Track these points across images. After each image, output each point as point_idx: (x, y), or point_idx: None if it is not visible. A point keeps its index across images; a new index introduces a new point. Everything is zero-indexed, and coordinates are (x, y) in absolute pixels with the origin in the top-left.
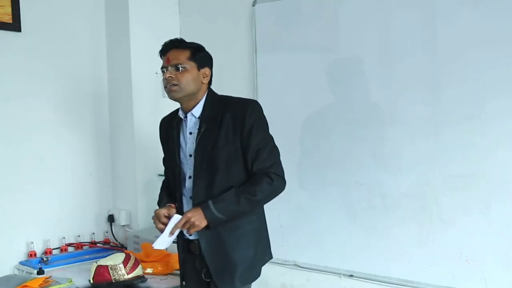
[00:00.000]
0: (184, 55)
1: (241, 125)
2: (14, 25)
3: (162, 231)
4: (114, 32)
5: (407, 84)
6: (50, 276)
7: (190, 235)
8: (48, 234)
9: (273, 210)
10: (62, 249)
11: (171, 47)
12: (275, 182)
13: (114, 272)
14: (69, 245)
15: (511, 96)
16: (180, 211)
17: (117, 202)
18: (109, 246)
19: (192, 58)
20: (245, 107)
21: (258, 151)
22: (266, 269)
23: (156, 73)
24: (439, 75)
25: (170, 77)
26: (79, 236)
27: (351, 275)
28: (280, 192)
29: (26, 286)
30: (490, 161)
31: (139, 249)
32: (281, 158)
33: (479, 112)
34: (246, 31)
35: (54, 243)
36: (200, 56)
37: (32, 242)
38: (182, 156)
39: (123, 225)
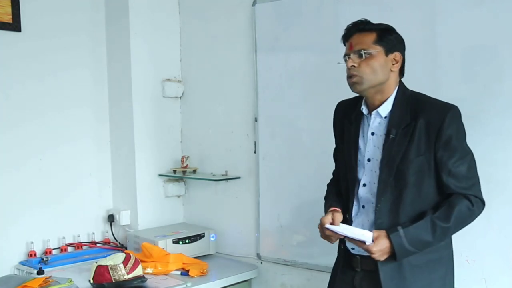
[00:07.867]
0: (370, 38)
1: (436, 133)
2: (14, 25)
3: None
4: (114, 32)
5: (406, 83)
6: (50, 276)
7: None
8: (47, 234)
9: (273, 210)
10: (62, 249)
11: (354, 31)
12: (475, 207)
13: (114, 272)
14: (69, 245)
15: (510, 96)
16: (346, 217)
17: (117, 202)
18: (109, 246)
19: (379, 41)
20: (444, 113)
21: (457, 167)
22: (266, 269)
23: (339, 63)
24: (438, 75)
25: (352, 66)
26: (79, 236)
27: None
28: (475, 218)
29: (26, 286)
30: (490, 161)
31: (139, 249)
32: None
33: (479, 112)
34: (246, 31)
35: (54, 243)
36: (390, 39)
37: (32, 242)
38: (359, 158)
39: (123, 225)
